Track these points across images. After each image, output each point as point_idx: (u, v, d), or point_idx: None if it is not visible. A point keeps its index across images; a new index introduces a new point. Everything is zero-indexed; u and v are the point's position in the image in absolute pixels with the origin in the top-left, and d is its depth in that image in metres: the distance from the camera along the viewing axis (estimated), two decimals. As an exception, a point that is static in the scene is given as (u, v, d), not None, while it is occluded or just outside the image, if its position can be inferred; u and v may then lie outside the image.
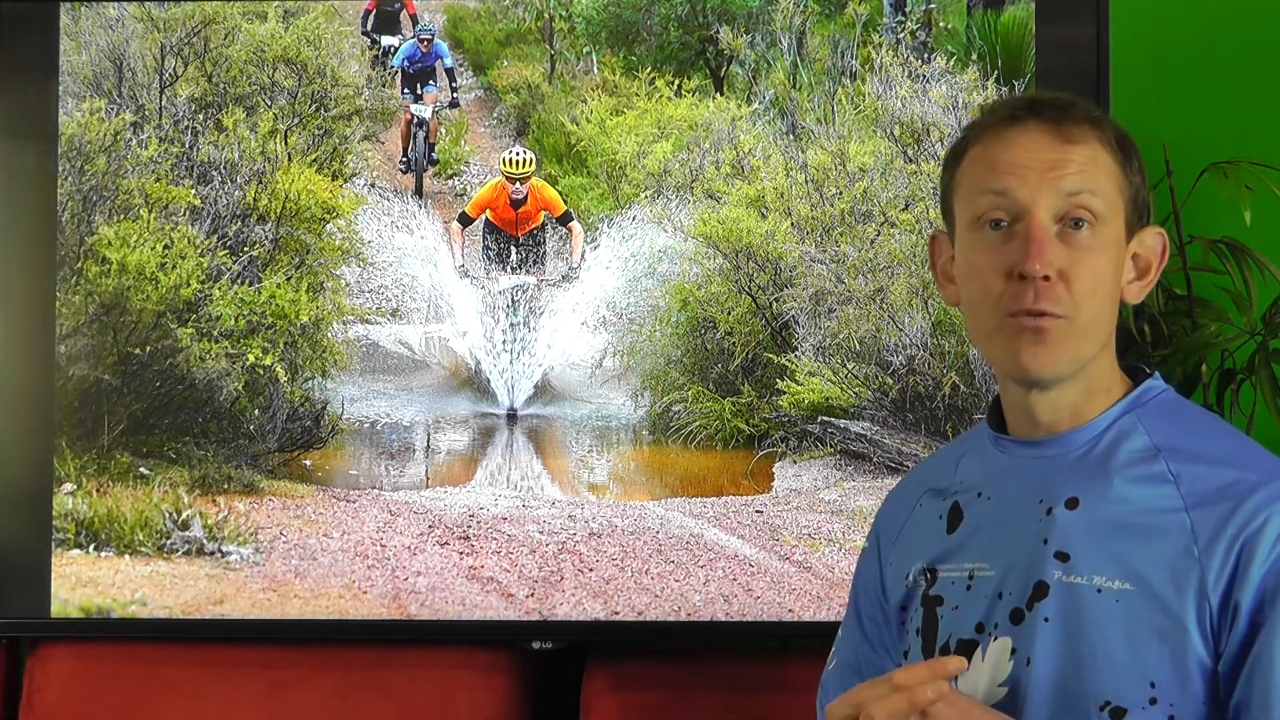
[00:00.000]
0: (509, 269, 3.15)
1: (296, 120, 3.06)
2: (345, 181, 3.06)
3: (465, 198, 3.16)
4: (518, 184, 3.11)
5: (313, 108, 3.07)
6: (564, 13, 3.12)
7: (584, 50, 3.14)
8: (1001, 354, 1.72)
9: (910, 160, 2.98)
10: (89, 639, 3.00)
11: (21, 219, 3.00)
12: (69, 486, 2.98)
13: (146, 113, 3.03)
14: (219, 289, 2.99)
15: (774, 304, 3.02)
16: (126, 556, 2.97)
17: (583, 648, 2.99)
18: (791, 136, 3.02)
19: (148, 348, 2.98)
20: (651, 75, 3.08)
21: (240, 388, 2.99)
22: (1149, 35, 3.05)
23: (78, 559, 2.97)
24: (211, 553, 2.97)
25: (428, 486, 3.06)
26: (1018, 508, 1.75)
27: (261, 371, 2.99)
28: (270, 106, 3.05)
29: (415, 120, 3.18)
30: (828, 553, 2.93)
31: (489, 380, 3.11)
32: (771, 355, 3.00)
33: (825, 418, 2.97)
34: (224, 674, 2.97)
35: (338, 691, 2.96)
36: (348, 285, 3.06)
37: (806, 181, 3.00)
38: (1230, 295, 2.82)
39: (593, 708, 2.93)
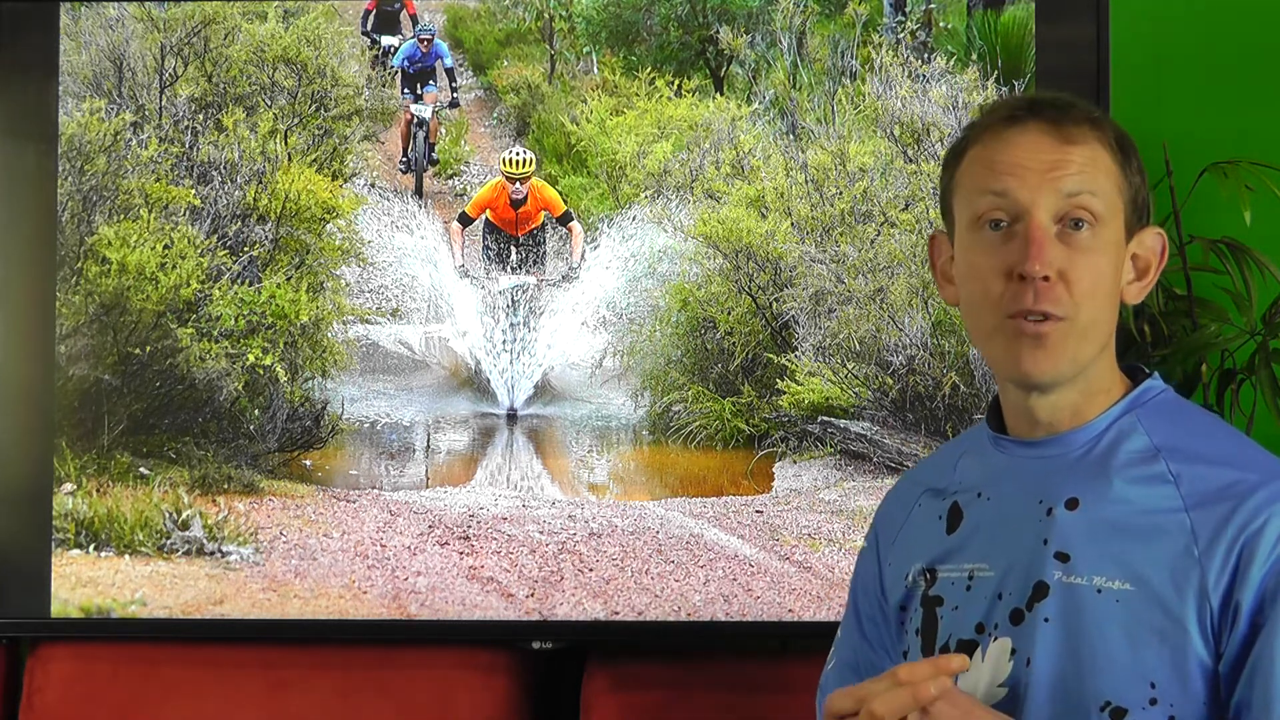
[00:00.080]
0: (509, 269, 3.15)
1: (296, 120, 3.06)
2: (345, 181, 3.06)
3: (465, 198, 3.16)
4: (518, 184, 3.11)
5: (313, 108, 3.07)
6: (564, 13, 3.12)
7: (584, 50, 3.14)
8: (1001, 356, 1.72)
9: (910, 160, 2.98)
10: (89, 639, 3.00)
11: (21, 219, 3.00)
12: (69, 486, 2.98)
13: (146, 113, 3.03)
14: (219, 289, 2.99)
15: (774, 304, 3.02)
16: (126, 556, 2.97)
17: (583, 648, 2.99)
18: (791, 136, 3.02)
19: (148, 348, 2.98)
20: (651, 75, 3.08)
21: (240, 388, 2.99)
22: (1149, 35, 3.05)
23: (78, 559, 2.97)
24: (211, 553, 2.97)
25: (428, 486, 3.06)
26: (1017, 508, 1.75)
27: (261, 371, 2.99)
28: (270, 106, 3.05)
29: (415, 120, 3.18)
30: (828, 553, 2.93)
31: (489, 380, 3.11)
32: (771, 355, 3.00)
33: (825, 418, 2.97)
34: (224, 674, 2.97)
35: (338, 691, 2.96)
36: (348, 285, 3.06)
37: (806, 181, 3.00)
38: (1230, 295, 2.82)
39: (593, 708, 2.93)
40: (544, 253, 3.14)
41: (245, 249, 3.01)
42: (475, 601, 2.94)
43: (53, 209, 2.99)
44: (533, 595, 2.94)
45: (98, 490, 2.97)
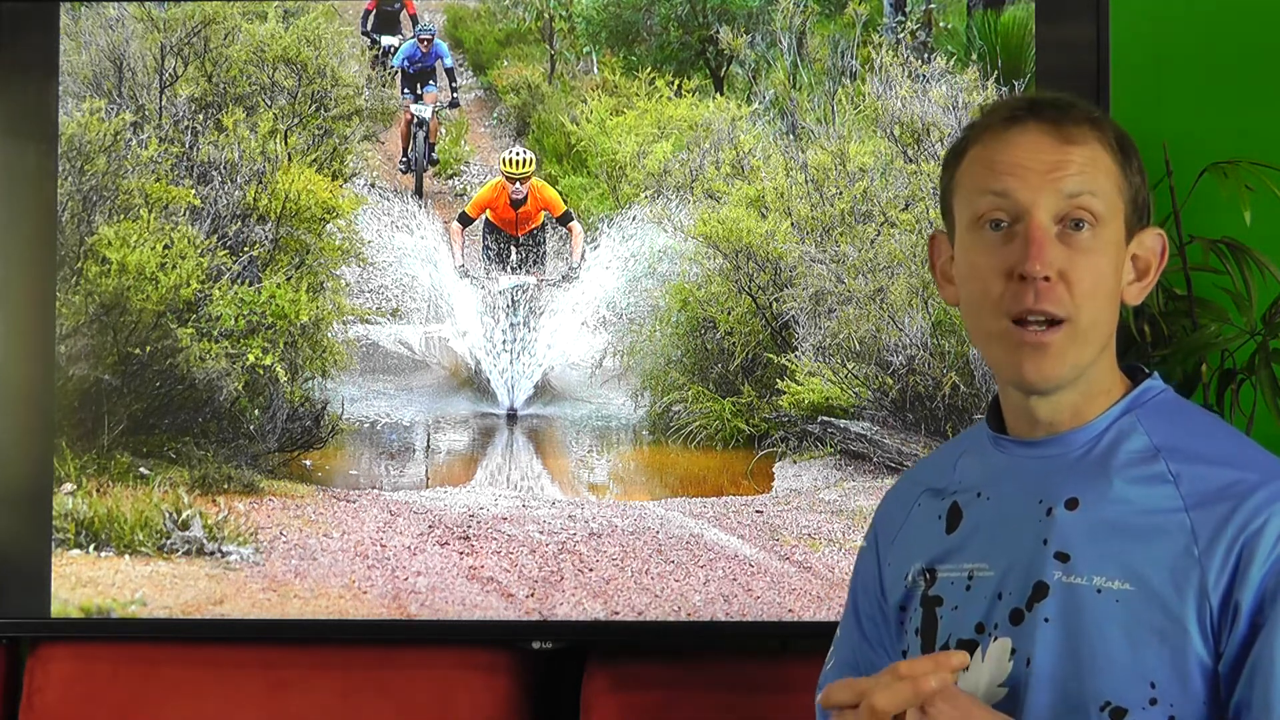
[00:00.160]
0: (509, 269, 3.15)
1: (296, 120, 3.06)
2: (345, 181, 3.06)
3: (465, 198, 3.16)
4: (518, 184, 3.11)
5: (313, 108, 3.07)
6: (564, 13, 3.12)
7: (584, 50, 3.14)
8: (1002, 361, 1.72)
9: (910, 160, 2.98)
10: (89, 639, 3.00)
11: (21, 219, 3.00)
12: (69, 486, 2.98)
13: (146, 113, 3.03)
14: (219, 289, 2.99)
15: (774, 304, 3.02)
16: (126, 556, 2.97)
17: (583, 648, 2.99)
18: (791, 136, 3.02)
19: (148, 348, 2.98)
20: (651, 75, 3.08)
21: (240, 388, 2.99)
22: (1149, 35, 3.05)
23: (78, 559, 2.97)
24: (211, 553, 2.97)
25: (428, 486, 3.06)
26: (1017, 508, 1.75)
27: (261, 371, 2.99)
28: (270, 106, 3.05)
29: (415, 120, 3.18)
30: (828, 553, 2.93)
31: (489, 380, 3.11)
32: (771, 355, 3.00)
33: (825, 418, 2.97)
34: (224, 674, 2.97)
35: (338, 691, 2.96)
36: (348, 285, 3.06)
37: (806, 181, 3.00)
38: (1230, 295, 2.82)
39: (593, 708, 2.93)
40: (544, 253, 3.14)
41: (245, 249, 3.01)
42: (475, 601, 2.94)
43: (53, 209, 2.99)
44: (533, 595, 2.94)
45: (98, 490, 2.97)
